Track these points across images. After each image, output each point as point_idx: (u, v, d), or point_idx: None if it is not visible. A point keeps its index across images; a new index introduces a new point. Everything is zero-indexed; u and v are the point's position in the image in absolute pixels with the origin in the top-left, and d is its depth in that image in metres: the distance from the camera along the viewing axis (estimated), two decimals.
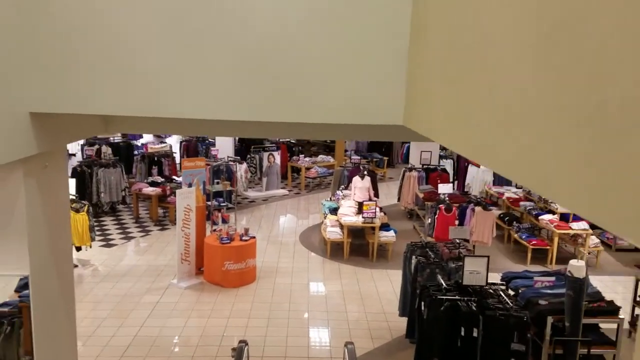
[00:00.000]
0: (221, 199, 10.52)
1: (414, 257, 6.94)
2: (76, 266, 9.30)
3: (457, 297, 5.38)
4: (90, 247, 9.30)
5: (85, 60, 3.21)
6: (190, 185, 8.69)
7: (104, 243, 10.58)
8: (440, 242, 7.32)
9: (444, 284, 5.72)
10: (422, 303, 5.65)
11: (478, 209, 9.43)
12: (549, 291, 6.39)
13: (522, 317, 5.13)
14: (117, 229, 11.55)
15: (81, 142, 14.87)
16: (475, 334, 5.15)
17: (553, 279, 6.54)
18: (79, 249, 9.27)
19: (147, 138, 16.62)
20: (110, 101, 3.31)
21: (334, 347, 6.80)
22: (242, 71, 3.24)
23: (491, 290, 5.68)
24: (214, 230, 8.96)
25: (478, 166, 13.29)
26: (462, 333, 5.19)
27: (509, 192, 12.11)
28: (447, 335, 5.31)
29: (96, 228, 11.23)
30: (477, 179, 13.44)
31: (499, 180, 13.42)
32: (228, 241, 8.55)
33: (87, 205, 9.07)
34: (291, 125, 4.78)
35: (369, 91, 3.31)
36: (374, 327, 7.37)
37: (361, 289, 8.72)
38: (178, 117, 3.50)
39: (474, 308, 5.25)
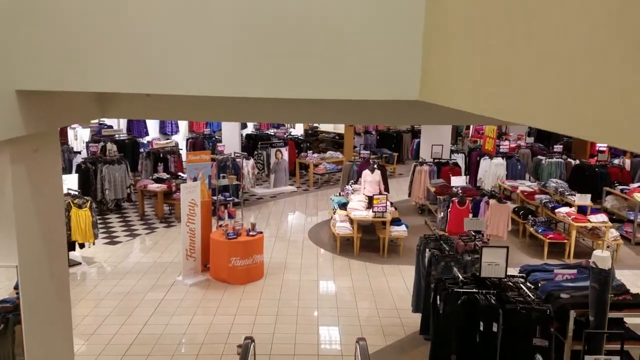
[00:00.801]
0: (227, 194, 10.28)
1: (427, 250, 6.64)
2: (79, 263, 9.10)
3: (475, 290, 5.08)
4: (94, 244, 9.09)
5: (76, 32, 2.93)
6: (195, 180, 8.45)
7: (108, 240, 10.37)
8: (455, 235, 7.02)
9: (460, 277, 5.42)
10: (438, 297, 5.35)
11: (493, 201, 9.10)
12: (570, 284, 6.06)
13: (545, 311, 4.82)
14: (121, 226, 11.35)
15: (86, 139, 14.75)
16: (495, 329, 4.84)
17: (574, 271, 6.21)
18: (82, 246, 9.07)
19: (153, 135, 16.45)
20: (104, 77, 3.02)
21: (344, 345, 6.52)
22: (251, 44, 2.94)
23: (510, 283, 5.37)
24: (220, 225, 8.71)
25: (491, 159, 12.95)
26: (481, 328, 4.89)
27: (523, 186, 11.76)
28: (465, 331, 5.01)
29: (100, 225, 11.05)
30: (490, 173, 13.08)
31: (512, 174, 13.08)
32: (234, 236, 8.30)
33: (89, 201, 8.86)
34: (302, 106, 4.50)
35: (382, 65, 3.02)
36: (386, 324, 7.08)
37: (372, 284, 8.43)
38: (181, 93, 3.22)
39: (493, 301, 4.95)
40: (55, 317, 3.95)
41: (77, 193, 9.02)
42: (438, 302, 5.35)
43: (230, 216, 9.03)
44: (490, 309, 4.88)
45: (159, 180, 11.83)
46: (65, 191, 8.88)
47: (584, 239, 10.05)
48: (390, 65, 3.00)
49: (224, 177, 9.79)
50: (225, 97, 3.25)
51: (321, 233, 11.14)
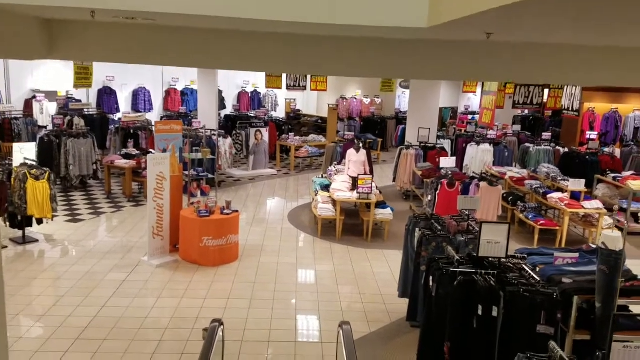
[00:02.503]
0: (200, 169, 9.56)
1: (417, 230, 6.09)
2: (36, 240, 8.32)
3: (473, 270, 4.53)
4: (52, 219, 8.32)
5: None
6: (164, 152, 7.74)
7: (70, 218, 9.59)
8: (446, 215, 6.48)
9: (456, 256, 4.87)
10: (431, 278, 4.79)
11: (483, 184, 8.60)
12: (572, 269, 5.56)
13: (552, 295, 4.29)
14: (86, 204, 10.56)
15: (53, 112, 13.85)
16: (494, 314, 4.31)
17: (576, 255, 5.71)
18: (40, 221, 8.30)
19: (124, 109, 15.59)
20: None
21: (325, 331, 5.94)
22: None
23: (510, 265, 4.85)
24: (192, 203, 8.03)
25: (478, 144, 12.49)
26: (480, 312, 4.35)
27: (512, 172, 11.31)
28: (461, 315, 4.46)
29: (63, 203, 10.27)
30: (477, 159, 12.61)
31: (499, 161, 12.63)
32: (207, 214, 7.63)
33: (48, 173, 8.08)
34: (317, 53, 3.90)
35: None
36: (370, 310, 6.52)
37: (355, 269, 7.86)
38: (156, 11, 2.56)
39: (493, 283, 4.41)
40: None
41: (34, 163, 8.22)
42: (431, 283, 4.80)
43: (204, 193, 8.35)
44: (490, 292, 4.34)
45: (127, 157, 11.05)
46: (21, 161, 8.09)
47: (576, 226, 9.65)
48: None
49: (197, 151, 9.07)
50: (212, 29, 2.65)
51: (302, 216, 10.53)
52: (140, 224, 9.29)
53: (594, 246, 6.24)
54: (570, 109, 7.38)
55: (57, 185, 11.57)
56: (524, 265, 4.73)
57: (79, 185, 11.56)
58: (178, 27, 3.62)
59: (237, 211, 7.99)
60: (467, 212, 6.20)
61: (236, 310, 6.32)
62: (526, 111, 20.47)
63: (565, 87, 7.66)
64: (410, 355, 5.44)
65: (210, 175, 9.44)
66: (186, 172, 8.82)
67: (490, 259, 4.82)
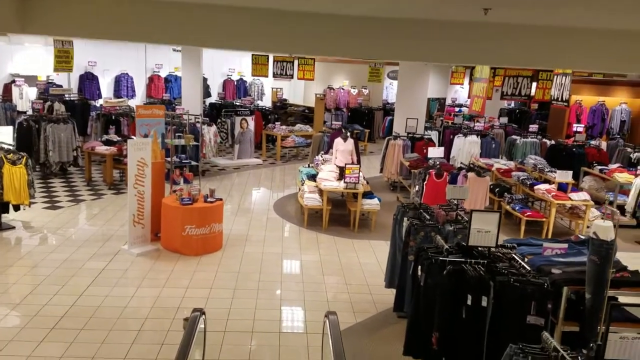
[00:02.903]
0: (184, 156, 9.33)
1: (405, 219, 5.97)
2: (13, 227, 8.05)
3: (463, 259, 4.42)
4: (29, 205, 8.05)
5: None
6: (146, 137, 7.51)
7: (49, 205, 9.32)
8: (435, 205, 6.37)
9: (445, 245, 4.75)
10: (419, 268, 4.68)
11: (471, 174, 8.52)
12: (561, 259, 5.49)
13: (542, 285, 4.20)
14: (65, 191, 10.27)
15: (32, 97, 13.47)
16: (484, 303, 4.21)
17: (565, 246, 5.64)
18: (17, 208, 8.03)
19: (106, 95, 15.24)
20: None
21: (310, 321, 5.81)
22: None
23: (500, 254, 4.75)
24: (174, 191, 7.81)
25: (465, 136, 12.42)
26: (469, 302, 4.24)
27: (498, 164, 11.26)
28: (450, 305, 4.36)
29: (42, 189, 9.99)
30: (464, 151, 12.55)
31: (486, 153, 12.60)
32: (190, 202, 7.43)
33: (25, 157, 7.81)
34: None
35: None
36: (357, 300, 6.40)
37: (341, 259, 7.74)
38: None
39: (482, 273, 4.30)
40: None
41: (11, 147, 7.94)
42: (419, 273, 4.68)
43: (187, 181, 8.14)
44: (480, 282, 4.24)
45: (108, 143, 10.77)
46: None
47: (562, 218, 9.64)
48: None
49: (180, 137, 8.84)
50: (198, 3, 2.48)
51: (287, 206, 10.37)
52: (121, 212, 9.05)
53: (582, 237, 6.19)
54: (560, 99, 7.31)
55: (36, 172, 11.29)
56: (514, 255, 4.63)
57: (58, 172, 11.26)
58: (160, 0, 3.41)
59: (221, 199, 7.80)
60: (455, 202, 6.10)
61: (219, 300, 6.16)
62: (512, 104, 20.50)
63: (555, 76, 7.59)
64: (397, 345, 5.34)
65: (193, 163, 9.21)
66: (168, 159, 8.59)
67: (480, 249, 4.72)
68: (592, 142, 12.12)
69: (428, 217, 5.83)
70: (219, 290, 6.45)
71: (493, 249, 4.67)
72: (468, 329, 4.28)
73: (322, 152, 11.03)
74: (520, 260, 4.52)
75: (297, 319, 5.96)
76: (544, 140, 12.63)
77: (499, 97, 11.09)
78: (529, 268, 4.37)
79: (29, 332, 5.22)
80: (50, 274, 6.54)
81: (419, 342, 4.66)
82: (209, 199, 7.61)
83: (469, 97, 13.01)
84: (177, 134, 9.07)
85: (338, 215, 9.64)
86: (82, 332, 5.26)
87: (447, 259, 4.44)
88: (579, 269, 5.13)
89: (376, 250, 8.17)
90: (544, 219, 8.87)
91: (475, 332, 4.26)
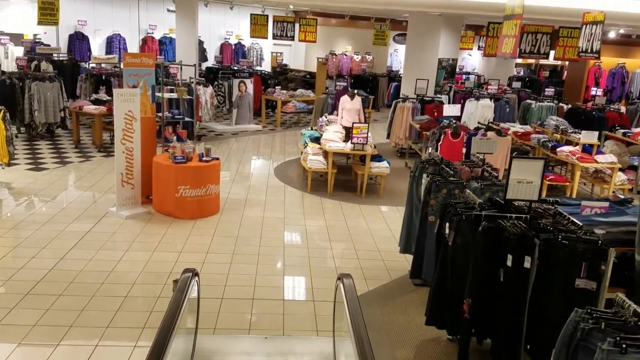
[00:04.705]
0: (177, 112, 8.61)
1: (424, 176, 5.31)
2: None
3: (501, 214, 3.78)
4: (8, 164, 7.38)
5: None
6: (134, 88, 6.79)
7: (32, 167, 8.63)
8: (457, 162, 5.71)
9: (477, 199, 4.11)
10: (447, 225, 4.04)
11: (491, 133, 7.83)
12: (602, 219, 4.87)
13: (596, 242, 3.56)
14: (51, 153, 9.58)
15: (20, 54, 12.68)
16: (527, 264, 3.57)
17: (606, 204, 5.00)
18: None
19: (96, 52, 14.43)
20: None
21: (317, 289, 5.20)
22: None
23: (541, 210, 4.11)
24: (167, 149, 7.13)
25: (478, 100, 11.69)
26: (509, 263, 3.61)
27: (515, 127, 10.56)
28: (486, 268, 3.73)
29: (26, 151, 9.31)
30: (476, 115, 11.81)
31: (499, 117, 11.88)
32: (184, 160, 6.76)
33: (3, 111, 7.09)
34: None
35: None
36: (368, 267, 5.79)
37: (349, 224, 7.11)
38: None
39: (525, 229, 3.66)
40: None
41: None
42: (447, 231, 4.04)
43: (180, 139, 7.45)
44: (523, 239, 3.60)
45: (97, 102, 10.03)
46: None
47: (585, 183, 8.99)
48: None
49: (172, 91, 8.11)
50: None
51: (289, 171, 9.70)
52: (110, 175, 8.37)
53: (622, 196, 5.56)
54: (590, 50, 6.60)
55: (21, 134, 10.59)
56: (559, 210, 3.98)
57: (45, 133, 10.56)
58: None
59: (217, 159, 7.12)
60: (481, 157, 5.43)
61: (216, 265, 5.55)
62: (522, 72, 19.69)
63: (583, 26, 6.86)
64: (414, 315, 4.75)
65: (187, 119, 8.48)
66: (160, 115, 7.87)
67: (517, 204, 4.07)
68: (612, 106, 11.40)
69: (452, 172, 5.17)
70: (216, 255, 5.82)
71: (535, 205, 4.02)
72: (507, 294, 3.66)
73: (327, 113, 10.31)
74: (568, 215, 3.87)
75: (302, 286, 5.35)
76: (561, 104, 11.91)
77: (517, 54, 10.31)
78: (580, 223, 3.72)
79: (0, 297, 4.60)
80: (29, 236, 5.90)
81: (445, 310, 4.06)
82: (204, 158, 6.94)
83: (483, 57, 12.20)
84: (169, 88, 8.32)
85: (343, 180, 9.00)
86: (60, 299, 4.64)
87: (483, 213, 3.79)
88: (625, 229, 4.51)
89: (386, 216, 7.54)
90: (567, 183, 8.22)
91: (515, 297, 3.64)
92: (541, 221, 3.85)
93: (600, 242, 3.57)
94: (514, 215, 3.76)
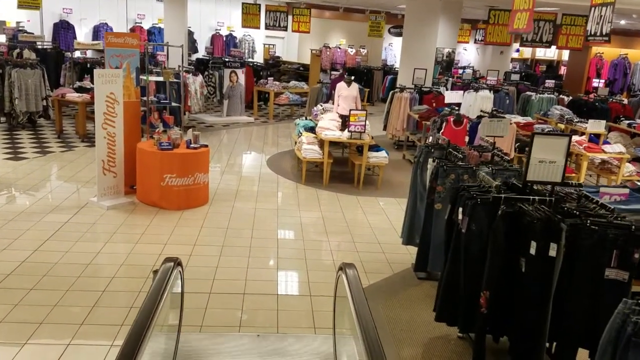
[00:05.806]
0: (163, 96, 8.15)
1: (430, 161, 4.92)
2: None
3: (522, 196, 3.39)
4: None
5: None
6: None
7: (11, 156, 8.15)
8: (464, 147, 5.33)
9: (493, 182, 3.72)
10: (460, 211, 3.64)
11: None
12: (623, 207, 4.50)
13: (629, 227, 3.18)
14: (32, 143, 9.09)
15: (2, 41, 12.14)
16: (553, 253, 3.19)
17: (626, 191, 4.64)
18: None
19: (81, 39, 13.90)
20: None
21: (314, 283, 4.79)
22: None
23: (562, 194, 3.73)
24: (152, 136, 6.68)
25: (476, 91, 11.33)
26: (532, 251, 3.22)
27: (517, 118, 10.21)
28: (505, 256, 3.34)
29: (5, 141, 8.80)
30: (475, 107, 11.44)
31: (499, 108, 11.50)
32: (170, 147, 6.32)
33: None
34: None
35: None
36: (368, 260, 5.39)
37: (346, 216, 6.71)
38: None
39: (549, 214, 3.27)
40: None
41: None
42: (460, 217, 3.65)
43: (167, 125, 7.00)
44: (548, 225, 3.21)
45: (81, 90, 9.54)
46: None
47: (590, 175, 8.66)
48: None
49: (158, 73, 7.65)
50: None
51: (282, 162, 9.29)
52: (93, 165, 7.88)
53: None
54: (599, 33, 6.26)
55: (1, 124, 10.09)
56: (585, 193, 3.60)
57: (26, 123, 10.06)
58: None
59: (206, 146, 6.69)
60: (491, 141, 5.05)
61: (204, 258, 5.12)
62: (517, 67, 19.39)
63: (592, 8, 6.53)
64: (420, 310, 4.36)
65: (174, 104, 8.03)
66: (144, 99, 7.42)
67: (537, 187, 3.69)
68: (615, 97, 11.09)
69: (460, 156, 4.78)
70: (204, 247, 5.40)
71: (558, 189, 3.63)
72: (529, 286, 3.27)
73: (322, 102, 9.89)
74: (595, 199, 3.49)
75: (298, 280, 4.93)
76: (561, 96, 11.59)
77: (518, 44, 9.97)
78: (611, 207, 3.34)
79: None
80: (1, 227, 5.44)
81: (459, 304, 3.66)
82: (192, 145, 6.50)
83: (481, 45, 11.92)
84: (155, 70, 7.86)
85: (340, 172, 8.60)
86: (31, 293, 4.20)
87: (502, 196, 3.40)
88: None
89: (385, 208, 7.15)
90: (573, 174, 7.87)
91: (538, 290, 3.25)
92: (565, 205, 3.47)
93: (633, 227, 3.20)
94: (537, 198, 3.37)
